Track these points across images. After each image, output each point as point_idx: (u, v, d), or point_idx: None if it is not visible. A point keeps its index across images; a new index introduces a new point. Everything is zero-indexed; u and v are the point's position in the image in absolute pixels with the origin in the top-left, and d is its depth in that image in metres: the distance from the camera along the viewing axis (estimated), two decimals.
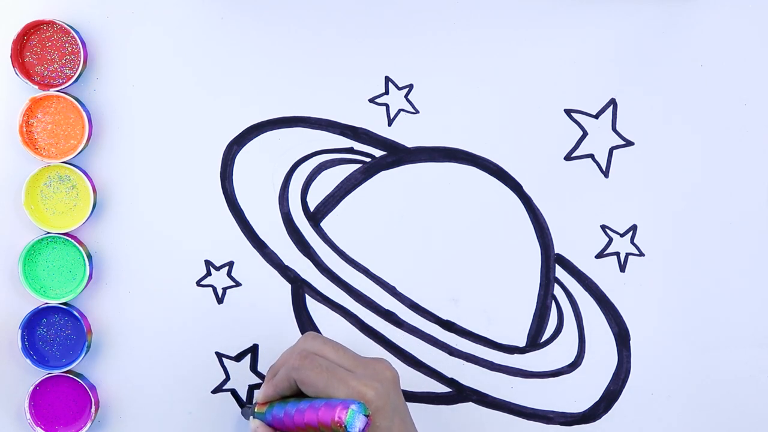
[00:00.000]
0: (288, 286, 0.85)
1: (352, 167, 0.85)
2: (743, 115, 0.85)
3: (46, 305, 0.82)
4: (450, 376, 0.85)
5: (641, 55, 0.85)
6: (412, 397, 0.84)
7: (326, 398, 0.70)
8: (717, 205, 0.85)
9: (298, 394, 0.74)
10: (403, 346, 0.85)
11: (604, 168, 0.85)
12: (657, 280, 0.85)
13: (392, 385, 0.73)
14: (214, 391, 0.84)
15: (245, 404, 0.84)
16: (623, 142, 0.85)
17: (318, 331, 0.84)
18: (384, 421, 0.71)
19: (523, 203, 0.85)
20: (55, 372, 0.82)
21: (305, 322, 0.84)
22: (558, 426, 0.85)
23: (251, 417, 0.77)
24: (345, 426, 0.67)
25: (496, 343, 0.85)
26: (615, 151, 0.85)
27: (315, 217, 0.85)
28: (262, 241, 0.84)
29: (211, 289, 0.84)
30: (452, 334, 0.85)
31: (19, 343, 0.82)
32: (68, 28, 0.82)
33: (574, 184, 0.85)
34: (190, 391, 0.84)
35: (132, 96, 0.84)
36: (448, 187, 0.85)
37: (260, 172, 0.84)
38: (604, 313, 0.85)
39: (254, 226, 0.84)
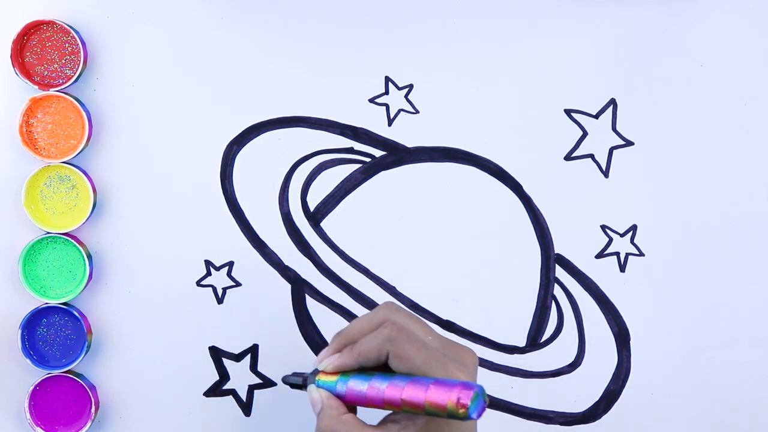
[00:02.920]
0: (288, 286, 0.85)
1: (352, 167, 0.85)
2: (743, 115, 0.85)
3: (46, 305, 0.82)
4: None
5: (641, 55, 0.85)
6: None
7: (422, 376, 0.65)
8: (717, 205, 0.85)
9: (376, 367, 0.68)
10: None
11: (604, 168, 0.85)
12: (657, 280, 0.85)
13: (475, 371, 0.69)
14: (210, 392, 0.84)
15: (298, 374, 0.72)
16: (623, 142, 0.85)
17: (318, 331, 0.84)
18: None
19: (523, 203, 0.85)
20: (55, 372, 0.82)
21: (305, 322, 0.84)
22: (558, 426, 0.85)
23: (312, 385, 0.69)
24: (468, 409, 0.63)
25: (496, 343, 0.85)
26: (615, 151, 0.85)
27: (315, 217, 0.85)
28: (262, 241, 0.84)
29: (211, 289, 0.84)
30: (452, 334, 0.85)
31: (19, 343, 0.82)
32: (68, 28, 0.82)
33: (574, 184, 0.85)
34: (190, 391, 0.84)
35: (132, 96, 0.84)
36: (448, 187, 0.85)
37: (260, 172, 0.84)
38: (604, 313, 0.85)
39: (254, 226, 0.84)
